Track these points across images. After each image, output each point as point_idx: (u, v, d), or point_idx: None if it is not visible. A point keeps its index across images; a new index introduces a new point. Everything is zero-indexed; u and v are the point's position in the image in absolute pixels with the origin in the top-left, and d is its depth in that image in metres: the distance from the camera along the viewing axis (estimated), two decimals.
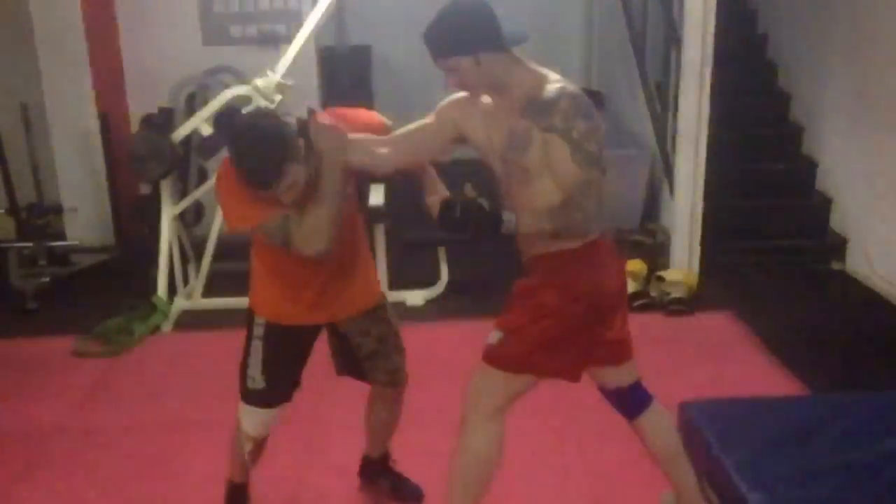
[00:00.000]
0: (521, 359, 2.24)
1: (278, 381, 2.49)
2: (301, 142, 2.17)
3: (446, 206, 2.12)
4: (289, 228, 2.22)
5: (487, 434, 2.31)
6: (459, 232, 2.14)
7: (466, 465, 2.33)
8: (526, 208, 2.16)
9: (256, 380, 2.46)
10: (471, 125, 2.29)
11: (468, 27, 2.11)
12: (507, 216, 2.11)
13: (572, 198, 2.09)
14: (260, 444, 2.61)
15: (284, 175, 2.13)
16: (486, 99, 2.24)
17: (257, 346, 2.46)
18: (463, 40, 2.10)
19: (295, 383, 2.56)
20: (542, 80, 2.15)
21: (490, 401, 2.30)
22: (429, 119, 2.37)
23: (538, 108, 2.10)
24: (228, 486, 2.73)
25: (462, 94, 2.29)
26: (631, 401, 2.49)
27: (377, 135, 2.39)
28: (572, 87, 2.14)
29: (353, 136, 2.31)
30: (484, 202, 2.11)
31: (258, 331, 2.46)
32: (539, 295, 2.23)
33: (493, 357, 2.27)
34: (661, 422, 2.51)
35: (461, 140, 2.33)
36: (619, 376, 2.46)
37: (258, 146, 2.13)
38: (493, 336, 2.29)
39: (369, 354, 2.58)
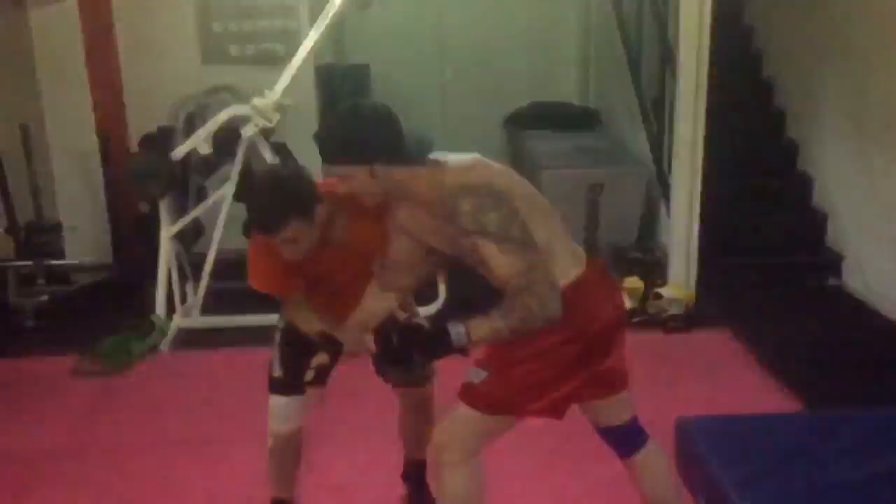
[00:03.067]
0: (505, 401, 2.12)
1: (293, 372, 2.52)
2: (318, 207, 2.21)
3: (381, 337, 2.00)
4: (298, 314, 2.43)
5: (465, 476, 2.19)
6: (403, 363, 2.03)
7: None
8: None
9: (276, 369, 2.57)
10: (418, 234, 2.19)
11: (366, 137, 1.99)
12: (455, 329, 1.97)
13: (519, 288, 1.94)
14: (283, 445, 2.61)
15: (286, 226, 2.16)
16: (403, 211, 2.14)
17: (276, 339, 2.59)
18: (358, 150, 1.98)
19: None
20: (442, 180, 2.01)
21: (464, 444, 2.17)
22: (401, 243, 2.23)
23: (448, 214, 1.98)
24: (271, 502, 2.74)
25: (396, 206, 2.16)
26: (625, 439, 2.38)
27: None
28: (474, 177, 1.99)
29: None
30: (423, 320, 1.99)
31: (280, 323, 2.60)
32: (528, 336, 2.06)
33: (474, 397, 2.14)
34: (656, 464, 2.40)
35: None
36: (612, 412, 2.34)
37: (271, 190, 2.21)
38: (475, 374, 2.15)
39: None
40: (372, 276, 2.34)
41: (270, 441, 2.62)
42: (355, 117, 2.05)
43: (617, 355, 2.25)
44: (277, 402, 2.57)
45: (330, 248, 2.32)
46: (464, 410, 2.16)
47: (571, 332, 2.07)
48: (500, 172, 2.11)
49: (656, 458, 2.41)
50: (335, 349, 2.37)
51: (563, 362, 2.10)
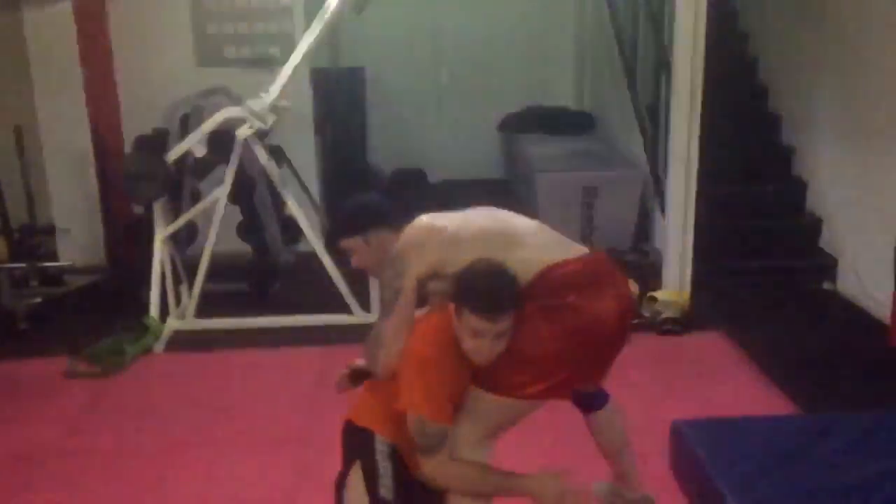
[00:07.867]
0: (507, 378, 2.16)
1: (402, 498, 2.22)
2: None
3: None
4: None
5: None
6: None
7: None
8: None
9: (388, 489, 2.22)
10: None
11: (357, 213, 2.43)
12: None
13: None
14: None
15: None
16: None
17: (386, 467, 2.24)
18: (353, 224, 2.40)
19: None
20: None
21: (468, 438, 2.20)
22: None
23: None
24: None
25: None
26: (590, 400, 2.54)
27: None
28: (399, 245, 2.28)
29: None
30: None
31: (382, 448, 2.26)
32: (529, 321, 2.14)
33: (477, 376, 2.19)
34: (613, 419, 2.58)
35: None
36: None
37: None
38: None
39: None
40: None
41: None
42: (350, 202, 2.48)
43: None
44: None
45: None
46: (470, 393, 2.20)
47: (568, 320, 2.15)
48: (432, 230, 2.27)
49: (614, 415, 2.58)
50: None
51: (566, 347, 2.16)
